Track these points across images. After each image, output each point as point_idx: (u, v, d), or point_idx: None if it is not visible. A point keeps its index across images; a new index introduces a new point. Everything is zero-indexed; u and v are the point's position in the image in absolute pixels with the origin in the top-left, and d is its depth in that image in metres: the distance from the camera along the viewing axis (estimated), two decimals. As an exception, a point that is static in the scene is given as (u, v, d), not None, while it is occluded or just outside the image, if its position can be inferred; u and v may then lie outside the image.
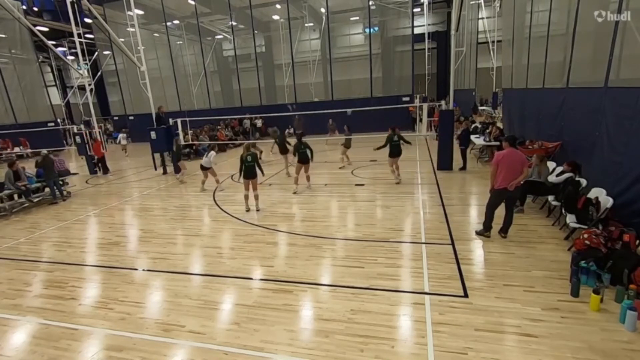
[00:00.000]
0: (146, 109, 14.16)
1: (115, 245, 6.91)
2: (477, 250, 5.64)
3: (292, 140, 11.08)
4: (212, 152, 10.42)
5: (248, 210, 8.27)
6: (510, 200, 5.85)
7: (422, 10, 25.32)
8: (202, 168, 10.43)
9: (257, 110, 23.23)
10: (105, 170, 14.58)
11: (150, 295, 4.98)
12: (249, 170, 8.11)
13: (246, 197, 8.39)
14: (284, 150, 11.94)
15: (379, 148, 9.82)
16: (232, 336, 3.92)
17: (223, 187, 10.72)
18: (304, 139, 9.78)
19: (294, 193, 9.50)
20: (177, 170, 12.70)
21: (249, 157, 8.07)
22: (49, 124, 23.88)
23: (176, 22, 25.01)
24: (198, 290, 4.98)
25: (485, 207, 6.00)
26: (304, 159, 9.58)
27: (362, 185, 10.00)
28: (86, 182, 13.27)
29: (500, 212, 5.91)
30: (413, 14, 21.85)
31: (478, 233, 6.09)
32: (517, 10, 12.27)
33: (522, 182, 5.85)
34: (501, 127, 14.10)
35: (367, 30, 22.13)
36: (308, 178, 9.95)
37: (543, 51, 9.63)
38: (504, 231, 5.95)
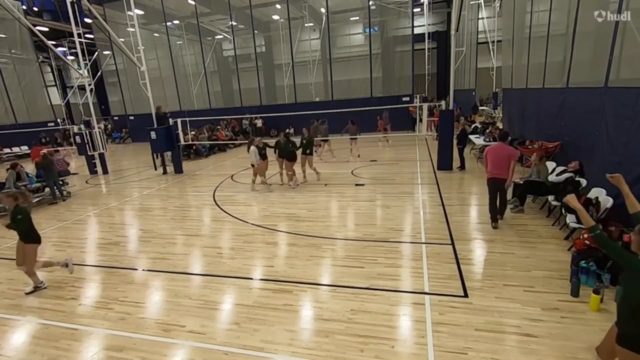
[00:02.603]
0: (146, 109, 14.17)
1: (115, 245, 6.91)
2: (477, 250, 5.64)
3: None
4: (252, 147, 9.74)
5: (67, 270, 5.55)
6: (499, 187, 6.28)
7: (422, 10, 25.31)
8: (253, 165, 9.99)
9: (257, 110, 23.24)
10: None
11: (150, 295, 4.98)
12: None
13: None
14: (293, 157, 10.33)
15: (298, 148, 10.40)
16: (232, 336, 3.92)
17: (270, 186, 10.31)
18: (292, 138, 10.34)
19: (294, 187, 10.15)
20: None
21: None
22: (49, 124, 23.92)
23: (176, 22, 24.99)
24: (198, 290, 4.98)
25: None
26: (292, 157, 10.02)
27: (362, 185, 10.00)
28: (86, 182, 13.27)
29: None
30: (413, 14, 21.85)
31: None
32: (517, 10, 12.27)
33: (517, 182, 6.01)
34: (501, 127, 14.11)
35: (367, 30, 22.12)
36: (315, 170, 10.63)
37: (543, 51, 9.63)
38: (500, 213, 6.48)
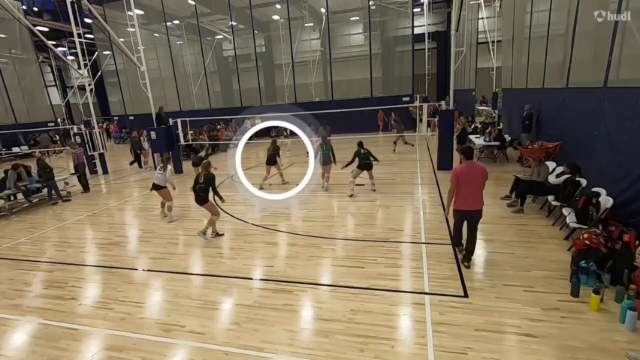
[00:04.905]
0: (146, 109, 14.17)
1: (115, 245, 6.91)
2: (477, 250, 5.60)
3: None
4: (170, 167, 8.13)
5: None
6: (473, 220, 4.96)
7: (422, 10, 25.32)
8: (155, 187, 7.96)
9: (257, 110, 23.25)
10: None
11: (150, 295, 4.98)
12: None
13: None
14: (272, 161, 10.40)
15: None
16: (232, 336, 3.92)
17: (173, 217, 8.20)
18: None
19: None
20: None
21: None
22: (49, 124, 23.92)
23: (176, 22, 24.99)
24: (198, 290, 4.98)
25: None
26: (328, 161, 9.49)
27: (362, 185, 9.99)
28: (86, 182, 13.25)
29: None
30: (413, 14, 21.85)
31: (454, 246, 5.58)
32: (517, 10, 12.29)
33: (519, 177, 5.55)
34: (500, 127, 14.11)
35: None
36: (327, 179, 9.82)
37: (543, 51, 9.63)
38: (466, 259, 5.06)
